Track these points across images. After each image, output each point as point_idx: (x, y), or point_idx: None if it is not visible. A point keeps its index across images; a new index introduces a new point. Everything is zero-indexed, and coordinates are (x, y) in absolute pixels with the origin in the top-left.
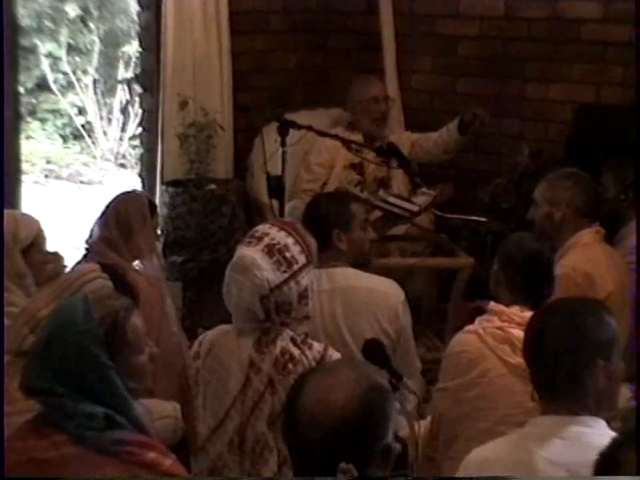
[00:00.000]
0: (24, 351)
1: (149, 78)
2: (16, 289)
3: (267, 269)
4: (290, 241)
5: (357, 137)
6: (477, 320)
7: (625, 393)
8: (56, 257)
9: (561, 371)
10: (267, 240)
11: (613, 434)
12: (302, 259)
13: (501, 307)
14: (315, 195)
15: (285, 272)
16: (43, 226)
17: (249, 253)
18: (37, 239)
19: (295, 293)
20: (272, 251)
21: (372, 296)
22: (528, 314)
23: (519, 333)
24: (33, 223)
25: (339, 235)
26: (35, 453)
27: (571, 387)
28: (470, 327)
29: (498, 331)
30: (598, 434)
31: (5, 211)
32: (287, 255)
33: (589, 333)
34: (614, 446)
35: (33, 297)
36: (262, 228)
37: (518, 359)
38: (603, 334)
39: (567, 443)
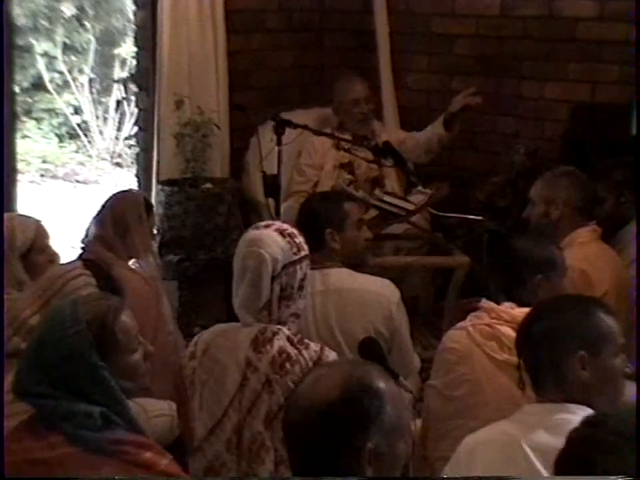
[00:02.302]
0: (9, 353)
1: (144, 77)
2: (17, 295)
3: (282, 246)
4: (295, 231)
5: (346, 137)
6: (469, 317)
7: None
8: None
9: (543, 361)
10: (276, 226)
11: None
12: (306, 249)
13: (491, 304)
14: (308, 195)
15: (295, 254)
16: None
17: (262, 232)
18: (36, 240)
19: (298, 277)
20: (283, 233)
21: (365, 297)
22: (517, 311)
23: (506, 330)
24: (29, 227)
25: (332, 235)
26: (31, 454)
27: (553, 377)
28: (460, 324)
29: (486, 327)
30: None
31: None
32: (296, 240)
33: (570, 324)
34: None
35: (16, 298)
36: (265, 222)
37: (505, 356)
38: (589, 327)
39: (550, 431)
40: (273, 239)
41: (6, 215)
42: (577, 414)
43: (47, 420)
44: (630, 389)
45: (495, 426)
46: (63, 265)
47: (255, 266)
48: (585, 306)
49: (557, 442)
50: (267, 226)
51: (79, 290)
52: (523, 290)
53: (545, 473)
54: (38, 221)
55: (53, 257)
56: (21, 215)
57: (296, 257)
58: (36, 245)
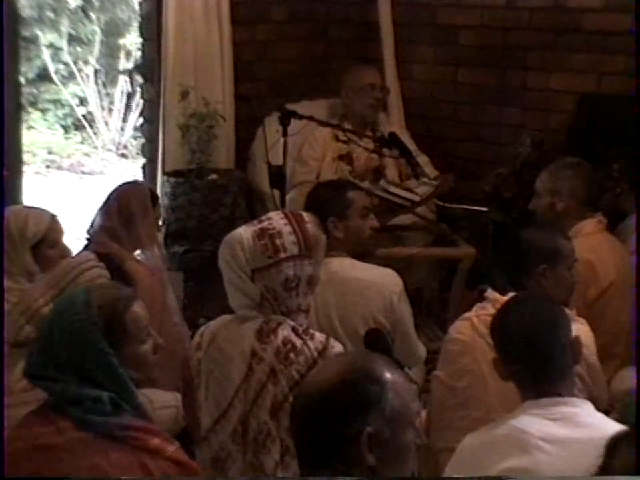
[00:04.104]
0: (20, 342)
1: (150, 68)
2: (28, 284)
3: (251, 250)
4: (287, 229)
5: (350, 128)
6: (474, 307)
7: (627, 377)
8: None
9: (543, 357)
10: (265, 224)
11: (600, 415)
12: (293, 250)
13: (496, 295)
14: (312, 186)
15: (269, 257)
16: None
17: (240, 231)
18: (48, 234)
19: (277, 280)
20: (263, 234)
21: (366, 288)
22: None
23: None
24: (43, 220)
25: (335, 223)
26: (40, 440)
27: (553, 373)
28: (465, 315)
29: (490, 318)
30: (586, 414)
31: (17, 207)
32: (277, 241)
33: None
34: (617, 439)
35: (30, 287)
36: (270, 214)
37: None
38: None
39: (557, 423)
40: (241, 242)
41: (21, 206)
42: (581, 407)
43: (56, 406)
44: (630, 374)
45: (497, 425)
46: (76, 256)
47: (224, 266)
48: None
49: (570, 433)
50: (260, 222)
51: (92, 281)
52: (527, 279)
53: (565, 464)
54: (54, 216)
55: (64, 252)
56: (37, 208)
57: (270, 261)
58: (48, 238)
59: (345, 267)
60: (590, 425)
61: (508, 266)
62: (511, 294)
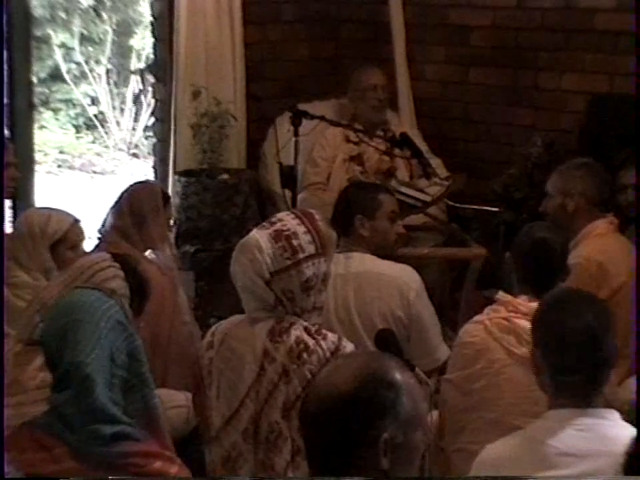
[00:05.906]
0: (35, 340)
1: (161, 68)
2: (45, 282)
3: (269, 253)
4: (301, 229)
5: (360, 128)
6: (486, 310)
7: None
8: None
9: (578, 364)
10: (278, 225)
11: (628, 426)
12: (310, 249)
13: (508, 297)
14: (323, 187)
15: (288, 259)
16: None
17: (256, 235)
18: (68, 235)
19: (297, 281)
20: (279, 236)
21: (384, 282)
22: (535, 304)
23: (524, 324)
24: (65, 220)
25: (362, 221)
26: (34, 468)
27: (586, 381)
28: (477, 317)
29: (504, 321)
30: (612, 425)
31: (43, 207)
32: (294, 242)
33: (607, 325)
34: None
35: (45, 285)
36: (280, 215)
37: (523, 350)
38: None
39: (582, 435)
40: (259, 245)
41: (45, 207)
42: (608, 418)
43: (51, 427)
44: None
45: (518, 436)
46: (91, 256)
47: (240, 271)
48: (600, 306)
49: (593, 445)
50: (272, 224)
51: (107, 281)
52: (554, 285)
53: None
54: (77, 220)
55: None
56: (62, 210)
57: (289, 262)
58: (68, 239)
59: (365, 262)
60: (614, 436)
61: (541, 270)
62: (523, 297)
